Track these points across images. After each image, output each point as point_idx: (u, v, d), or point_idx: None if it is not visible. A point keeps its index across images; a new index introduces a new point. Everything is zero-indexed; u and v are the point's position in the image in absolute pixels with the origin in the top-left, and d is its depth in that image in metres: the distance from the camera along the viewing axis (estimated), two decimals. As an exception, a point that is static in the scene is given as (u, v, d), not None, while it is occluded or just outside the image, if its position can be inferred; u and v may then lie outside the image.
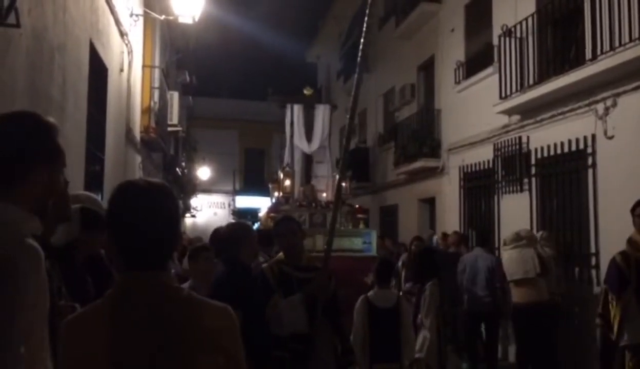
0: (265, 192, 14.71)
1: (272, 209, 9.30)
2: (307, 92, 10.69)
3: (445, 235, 9.43)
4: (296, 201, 9.26)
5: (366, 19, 3.64)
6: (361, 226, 9.03)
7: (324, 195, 9.85)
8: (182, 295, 1.45)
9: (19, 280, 1.37)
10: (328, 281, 3.52)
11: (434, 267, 5.09)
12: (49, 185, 1.58)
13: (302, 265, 3.64)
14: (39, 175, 1.54)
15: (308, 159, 10.31)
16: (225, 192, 25.66)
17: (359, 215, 9.21)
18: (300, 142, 10.14)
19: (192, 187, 21.30)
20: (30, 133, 1.55)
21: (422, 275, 5.15)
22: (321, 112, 10.40)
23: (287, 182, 9.56)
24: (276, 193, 10.30)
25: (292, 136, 10.14)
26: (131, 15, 7.91)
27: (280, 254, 3.71)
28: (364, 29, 3.79)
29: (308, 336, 3.40)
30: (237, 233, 3.54)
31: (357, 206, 9.87)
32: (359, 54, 3.89)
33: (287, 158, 10.17)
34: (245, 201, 24.88)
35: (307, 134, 10.17)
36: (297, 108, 10.30)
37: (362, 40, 3.97)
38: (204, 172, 24.07)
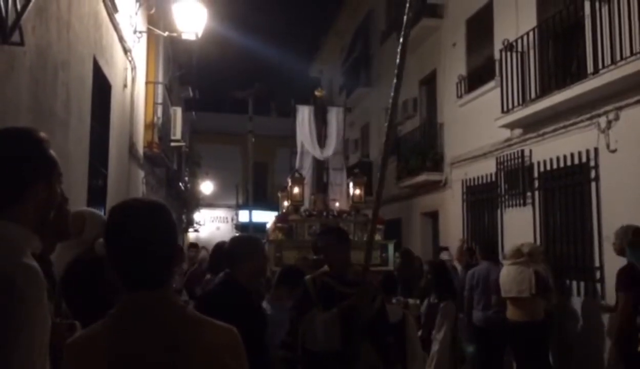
0: (269, 206, 14.68)
1: (280, 219, 8.70)
2: (318, 92, 9.88)
3: (470, 249, 8.70)
4: (306, 211, 8.70)
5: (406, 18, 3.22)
6: (378, 238, 8.18)
7: (337, 204, 9.25)
8: (185, 313, 1.45)
9: (19, 299, 1.36)
10: (368, 296, 3.28)
11: (448, 283, 5.07)
12: (48, 200, 1.58)
13: (348, 278, 3.39)
14: (37, 191, 1.54)
15: (319, 166, 9.55)
16: (228, 207, 25.66)
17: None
18: (312, 148, 9.34)
19: (195, 202, 21.32)
20: (25, 149, 1.55)
21: (437, 290, 5.14)
22: (335, 115, 9.62)
23: (297, 190, 8.88)
24: (285, 202, 9.63)
25: (302, 141, 9.44)
26: (135, 32, 7.97)
27: (326, 266, 3.50)
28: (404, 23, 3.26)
29: (341, 355, 3.17)
30: (236, 248, 3.19)
31: (369, 215, 9.26)
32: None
33: (297, 164, 9.46)
34: (247, 216, 24.87)
35: (319, 139, 9.41)
36: (308, 110, 9.50)
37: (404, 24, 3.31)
38: (206, 187, 24.11)
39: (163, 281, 1.45)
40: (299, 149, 9.52)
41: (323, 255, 3.47)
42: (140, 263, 1.42)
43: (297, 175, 9.05)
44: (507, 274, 6.35)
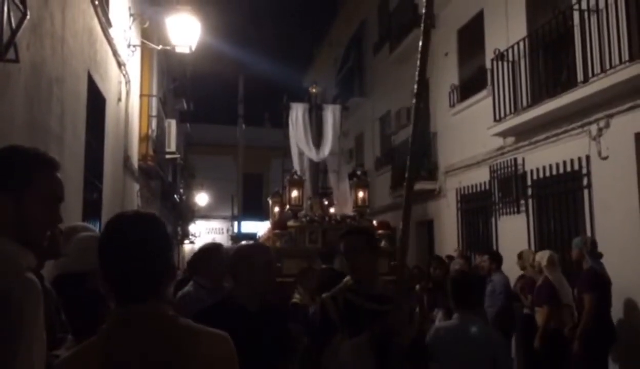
0: (263, 217, 14.64)
1: (277, 224, 7.86)
2: (313, 89, 9.15)
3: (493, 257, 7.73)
4: (306, 216, 7.93)
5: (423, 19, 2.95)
6: (383, 244, 7.45)
7: (332, 209, 8.55)
8: (178, 324, 1.44)
9: (17, 313, 1.37)
10: (406, 315, 2.67)
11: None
12: (42, 218, 1.59)
13: (375, 292, 2.74)
14: (29, 209, 1.55)
15: (315, 168, 8.86)
16: (224, 218, 25.64)
17: (381, 232, 7.73)
18: (307, 149, 8.62)
19: (190, 214, 21.30)
20: (20, 166, 1.57)
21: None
22: (330, 113, 8.88)
23: (295, 193, 8.05)
24: (277, 208, 8.93)
25: (296, 141, 8.72)
26: (129, 46, 8.01)
27: (347, 278, 2.86)
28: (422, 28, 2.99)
29: None
30: (235, 260, 2.70)
31: (374, 222, 8.25)
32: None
33: (295, 165, 8.74)
34: (243, 227, 24.87)
35: (314, 139, 8.67)
36: (302, 108, 8.77)
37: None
38: (202, 198, 24.10)
39: (156, 294, 1.45)
40: (293, 150, 8.82)
41: (348, 263, 2.82)
42: (133, 276, 1.41)
43: (295, 176, 8.29)
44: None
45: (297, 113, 8.70)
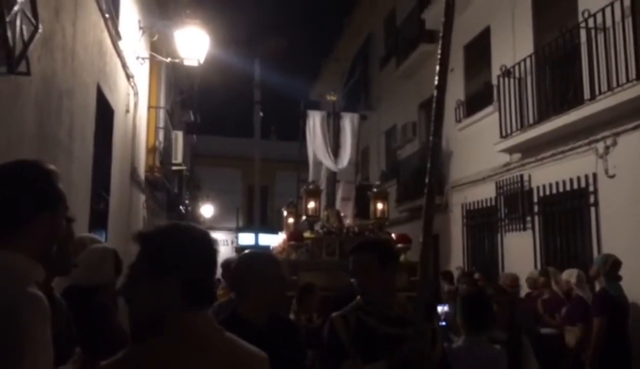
0: (269, 230, 14.61)
1: (293, 236, 7.53)
2: (330, 97, 8.95)
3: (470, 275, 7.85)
4: (323, 227, 7.61)
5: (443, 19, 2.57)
6: (402, 258, 7.21)
7: (347, 220, 8.27)
8: (224, 336, 1.49)
9: (21, 328, 1.37)
10: (428, 341, 2.36)
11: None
12: (52, 232, 1.60)
13: (391, 314, 2.42)
14: (41, 223, 1.56)
15: (333, 178, 8.61)
16: (229, 229, 25.65)
17: (400, 245, 7.40)
18: (326, 158, 8.34)
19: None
20: (33, 180, 1.58)
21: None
22: (349, 122, 8.62)
23: (312, 204, 7.76)
24: (291, 219, 8.74)
25: (314, 149, 8.49)
26: (138, 58, 8.09)
27: (359, 298, 2.52)
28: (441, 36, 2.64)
29: None
30: (240, 271, 2.38)
31: (393, 235, 7.91)
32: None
33: (312, 175, 8.54)
34: (248, 239, 24.87)
35: (332, 148, 8.39)
36: (320, 116, 8.51)
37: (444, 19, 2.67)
38: (207, 210, 24.13)
39: (208, 304, 1.52)
40: (310, 159, 8.57)
41: (359, 280, 2.46)
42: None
43: (312, 186, 7.94)
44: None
45: (315, 121, 8.46)
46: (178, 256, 1.45)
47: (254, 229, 11.95)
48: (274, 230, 11.58)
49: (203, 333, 1.44)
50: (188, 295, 1.43)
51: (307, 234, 7.53)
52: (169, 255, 1.46)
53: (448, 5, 2.53)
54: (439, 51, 2.58)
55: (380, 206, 8.16)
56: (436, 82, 2.59)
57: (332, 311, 2.49)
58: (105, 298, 2.77)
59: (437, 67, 2.60)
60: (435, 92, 2.58)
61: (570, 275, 6.19)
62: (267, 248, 9.92)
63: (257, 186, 12.11)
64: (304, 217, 7.92)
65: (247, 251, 2.46)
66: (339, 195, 8.69)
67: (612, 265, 5.44)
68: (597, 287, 5.61)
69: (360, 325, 2.39)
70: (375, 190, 8.40)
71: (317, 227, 7.64)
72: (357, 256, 2.50)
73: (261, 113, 11.64)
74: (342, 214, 8.35)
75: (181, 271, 1.44)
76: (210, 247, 1.52)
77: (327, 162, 8.37)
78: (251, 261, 2.39)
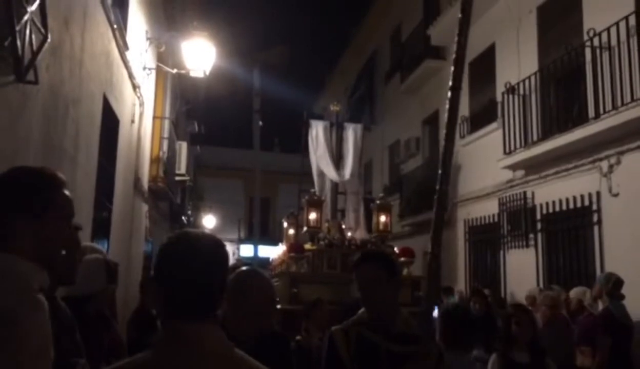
0: (271, 242, 14.59)
1: (293, 248, 7.37)
2: (334, 107, 8.90)
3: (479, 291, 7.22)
4: (325, 239, 7.48)
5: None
6: (405, 272, 7.20)
7: (349, 233, 8.12)
8: (234, 354, 1.42)
9: (20, 332, 1.36)
10: (433, 362, 2.27)
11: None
12: (55, 237, 1.59)
13: (395, 330, 2.29)
14: (44, 227, 1.55)
15: (336, 189, 8.51)
16: (230, 241, 25.63)
17: (403, 259, 7.32)
18: (328, 169, 8.22)
19: (197, 236, 21.28)
20: (33, 185, 1.57)
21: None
22: (352, 132, 8.49)
23: (314, 215, 7.60)
24: (291, 231, 8.59)
25: (316, 160, 8.35)
26: (144, 68, 8.14)
27: (362, 311, 2.40)
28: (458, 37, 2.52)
29: None
30: (232, 292, 2.18)
31: (396, 249, 7.78)
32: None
33: (316, 186, 8.41)
34: (249, 250, 24.84)
35: (335, 159, 8.30)
36: (322, 126, 8.40)
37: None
38: (209, 221, 24.14)
39: (213, 316, 1.43)
40: (314, 170, 8.47)
41: (362, 297, 2.35)
42: (199, 290, 1.40)
43: (315, 197, 7.82)
44: None
45: (318, 131, 8.36)
46: (172, 265, 1.41)
47: (254, 241, 11.78)
48: (275, 241, 11.52)
49: (205, 347, 1.37)
50: (181, 304, 1.38)
51: (308, 246, 7.40)
52: (165, 264, 1.43)
53: (465, 2, 2.45)
54: (454, 50, 2.47)
55: (383, 218, 8.05)
56: (450, 83, 2.45)
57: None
58: (99, 306, 2.77)
59: (452, 68, 2.46)
60: (449, 94, 2.44)
61: (582, 294, 6.08)
62: (266, 260, 9.76)
63: (257, 196, 12.04)
64: (305, 228, 7.78)
65: (243, 268, 2.35)
66: (348, 207, 8.54)
67: (615, 284, 5.38)
68: (600, 306, 5.55)
69: (362, 341, 2.28)
70: (378, 202, 8.29)
71: (318, 239, 7.49)
72: (365, 267, 2.38)
73: (260, 123, 11.52)
74: (343, 226, 8.22)
75: (174, 280, 1.40)
76: (213, 256, 1.45)
77: (330, 172, 8.24)
78: (244, 282, 2.25)
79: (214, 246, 1.48)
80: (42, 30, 3.38)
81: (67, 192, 1.65)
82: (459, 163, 10.93)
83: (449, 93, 2.46)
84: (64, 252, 1.66)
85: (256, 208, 12.30)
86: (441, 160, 2.44)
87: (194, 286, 1.40)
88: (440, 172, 2.40)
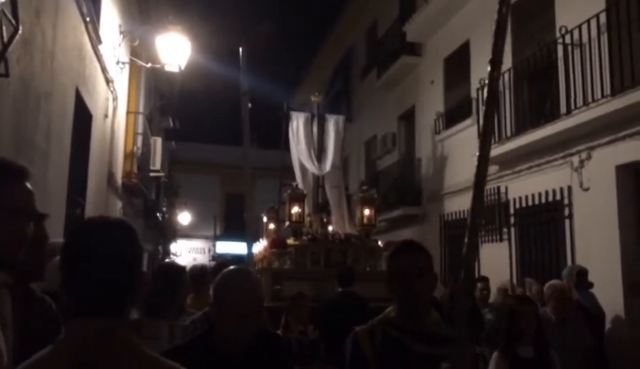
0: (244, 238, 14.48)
1: (275, 243, 7.17)
2: (314, 97, 8.77)
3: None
4: (308, 234, 7.32)
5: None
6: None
7: (330, 227, 7.97)
8: (132, 348, 1.28)
9: None
10: (469, 365, 1.95)
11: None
12: (7, 233, 1.48)
13: (425, 329, 2.06)
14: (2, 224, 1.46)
15: (317, 182, 8.38)
16: (206, 237, 25.45)
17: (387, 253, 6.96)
18: (309, 161, 8.13)
19: (172, 232, 21.10)
20: None
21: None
22: (333, 125, 8.37)
23: (296, 209, 7.46)
24: (272, 225, 8.39)
25: (297, 153, 8.23)
26: (118, 63, 8.02)
27: (390, 309, 2.17)
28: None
29: None
30: (220, 291, 2.14)
31: (380, 243, 7.62)
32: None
33: (298, 179, 8.26)
34: (225, 247, 24.69)
35: (316, 152, 8.16)
36: (303, 118, 8.26)
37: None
38: (184, 217, 23.91)
39: (119, 310, 1.30)
40: (295, 163, 8.29)
41: (400, 290, 2.07)
42: (98, 287, 1.27)
43: (297, 190, 7.66)
44: None
45: (299, 123, 8.17)
46: (63, 259, 1.31)
47: (245, 239, 11.42)
48: (252, 238, 11.39)
49: (105, 344, 1.24)
50: (83, 300, 1.28)
51: (290, 241, 7.25)
52: (66, 256, 1.32)
53: None
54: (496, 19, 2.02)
55: (367, 212, 7.91)
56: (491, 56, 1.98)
57: (323, 323, 2.29)
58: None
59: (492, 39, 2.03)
60: (488, 68, 1.96)
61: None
62: (242, 257, 9.61)
63: (246, 190, 11.79)
64: (287, 223, 7.61)
65: (231, 267, 2.24)
66: (331, 201, 8.42)
67: (579, 274, 5.46)
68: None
69: (388, 341, 2.06)
70: (361, 195, 8.13)
71: (301, 234, 7.34)
72: (413, 256, 2.11)
73: (250, 104, 11.25)
74: (325, 220, 8.13)
75: (66, 276, 1.30)
76: (115, 246, 1.30)
77: (310, 165, 8.10)
78: (231, 281, 2.12)
79: (118, 236, 1.33)
80: (13, 21, 3.31)
81: (14, 180, 1.51)
82: (434, 159, 11.04)
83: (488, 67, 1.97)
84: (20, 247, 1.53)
85: (249, 203, 12.04)
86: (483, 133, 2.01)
87: (94, 283, 1.28)
88: (478, 153, 2.03)
